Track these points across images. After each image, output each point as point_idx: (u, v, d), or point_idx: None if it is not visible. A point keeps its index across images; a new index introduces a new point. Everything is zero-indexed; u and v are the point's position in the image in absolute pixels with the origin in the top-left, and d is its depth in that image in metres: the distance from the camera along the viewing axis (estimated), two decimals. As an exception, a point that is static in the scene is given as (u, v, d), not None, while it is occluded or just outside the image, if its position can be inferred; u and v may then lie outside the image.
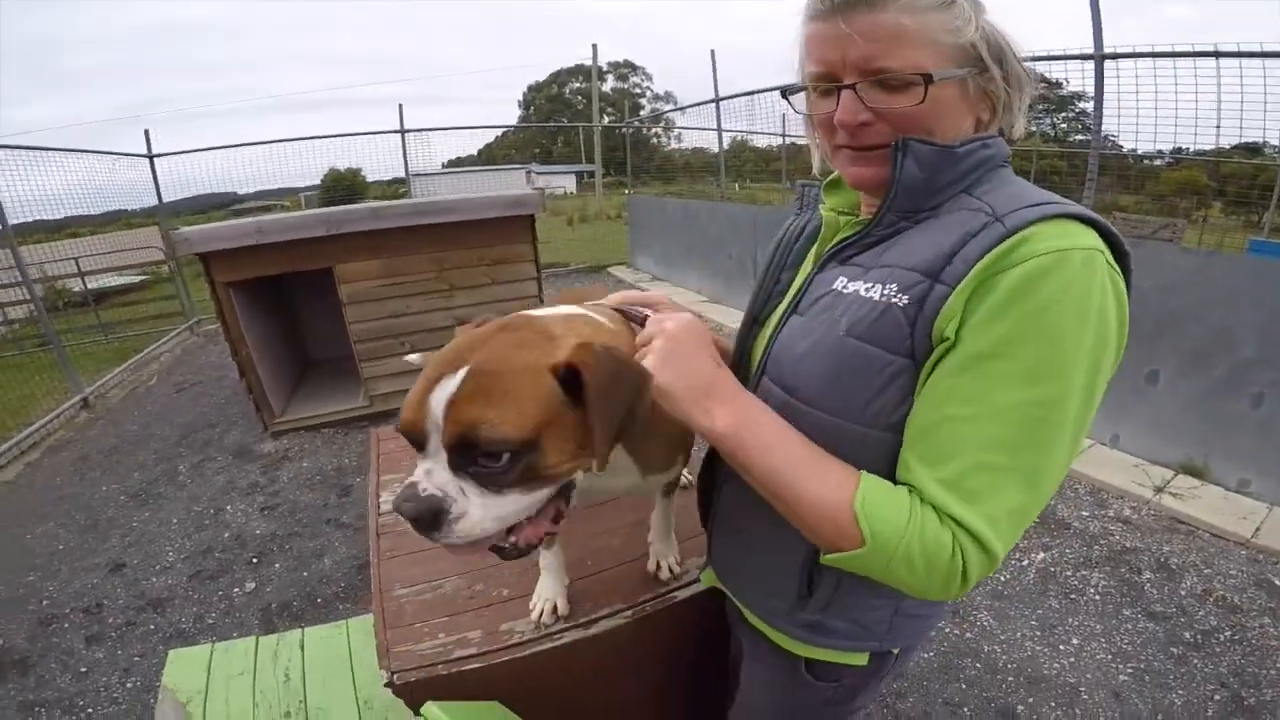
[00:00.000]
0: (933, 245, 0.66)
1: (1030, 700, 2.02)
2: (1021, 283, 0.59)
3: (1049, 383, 0.59)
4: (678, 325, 0.74)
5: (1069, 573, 2.60)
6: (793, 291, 0.84)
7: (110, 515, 3.47)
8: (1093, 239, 0.61)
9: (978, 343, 0.61)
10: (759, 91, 7.68)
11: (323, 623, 2.05)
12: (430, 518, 0.66)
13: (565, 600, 1.22)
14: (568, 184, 28.37)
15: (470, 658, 1.14)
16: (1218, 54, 4.14)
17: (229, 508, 3.42)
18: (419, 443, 0.69)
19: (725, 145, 9.38)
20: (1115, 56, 4.15)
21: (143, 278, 9.65)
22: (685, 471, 1.49)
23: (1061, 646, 2.22)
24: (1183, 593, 2.44)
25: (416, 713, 1.04)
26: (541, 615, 1.20)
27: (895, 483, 0.67)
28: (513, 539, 0.73)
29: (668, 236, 8.30)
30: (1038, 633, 2.28)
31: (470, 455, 0.66)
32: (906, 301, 0.65)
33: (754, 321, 0.89)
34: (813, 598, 0.82)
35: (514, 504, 0.69)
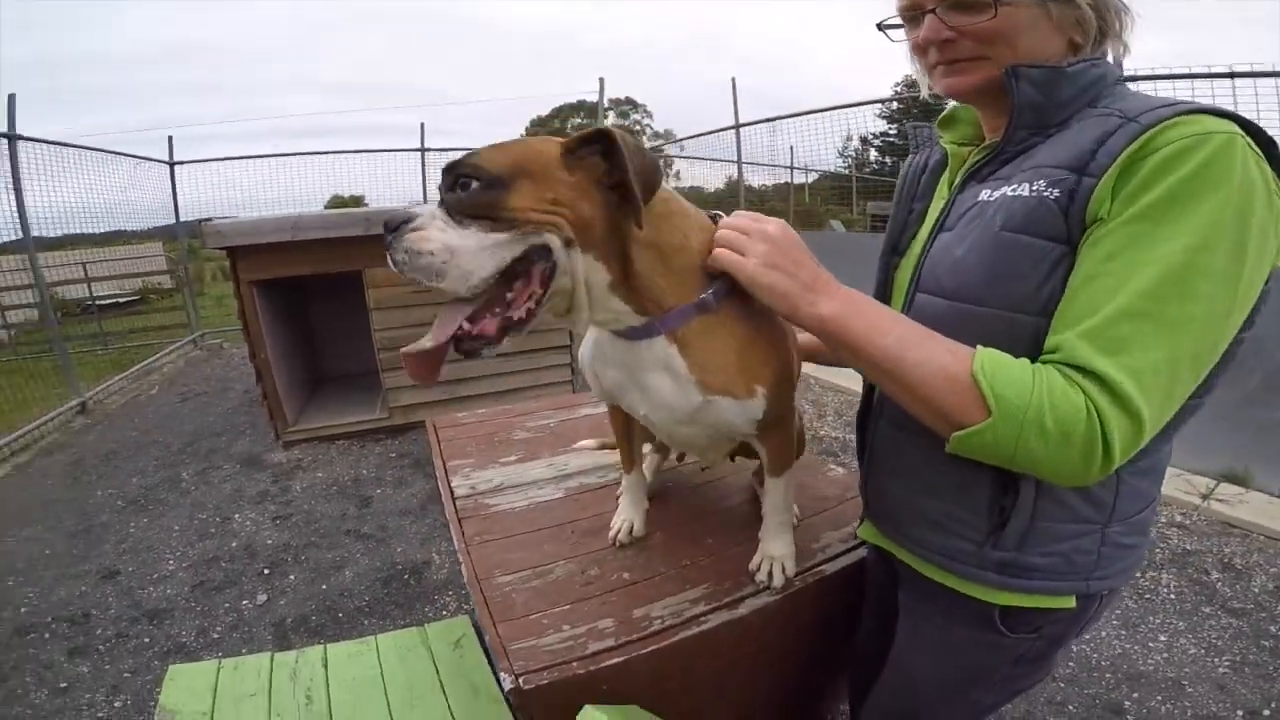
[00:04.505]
0: (1073, 147, 0.68)
1: (1135, 695, 1.95)
2: (1165, 161, 0.60)
3: (1191, 235, 0.59)
4: (778, 228, 0.79)
5: (1136, 574, 2.46)
6: (933, 215, 0.86)
7: (104, 521, 3.16)
8: (1231, 126, 0.61)
9: (1123, 213, 0.62)
10: (781, 118, 7.23)
11: (346, 639, 1.80)
12: (394, 224, 0.73)
13: (643, 522, 1.21)
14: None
15: (609, 651, 0.92)
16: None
17: (237, 516, 3.12)
18: None
19: (720, 185, 9.00)
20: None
21: (139, 295, 9.42)
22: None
23: (1150, 644, 2.16)
24: (1255, 589, 2.40)
25: None
26: (619, 533, 1.19)
27: None
28: (467, 326, 0.76)
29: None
30: (1122, 631, 2.22)
31: (452, 187, 0.74)
32: (1057, 194, 0.67)
33: (893, 251, 0.92)
34: (1006, 529, 0.76)
35: (471, 239, 0.73)
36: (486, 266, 0.74)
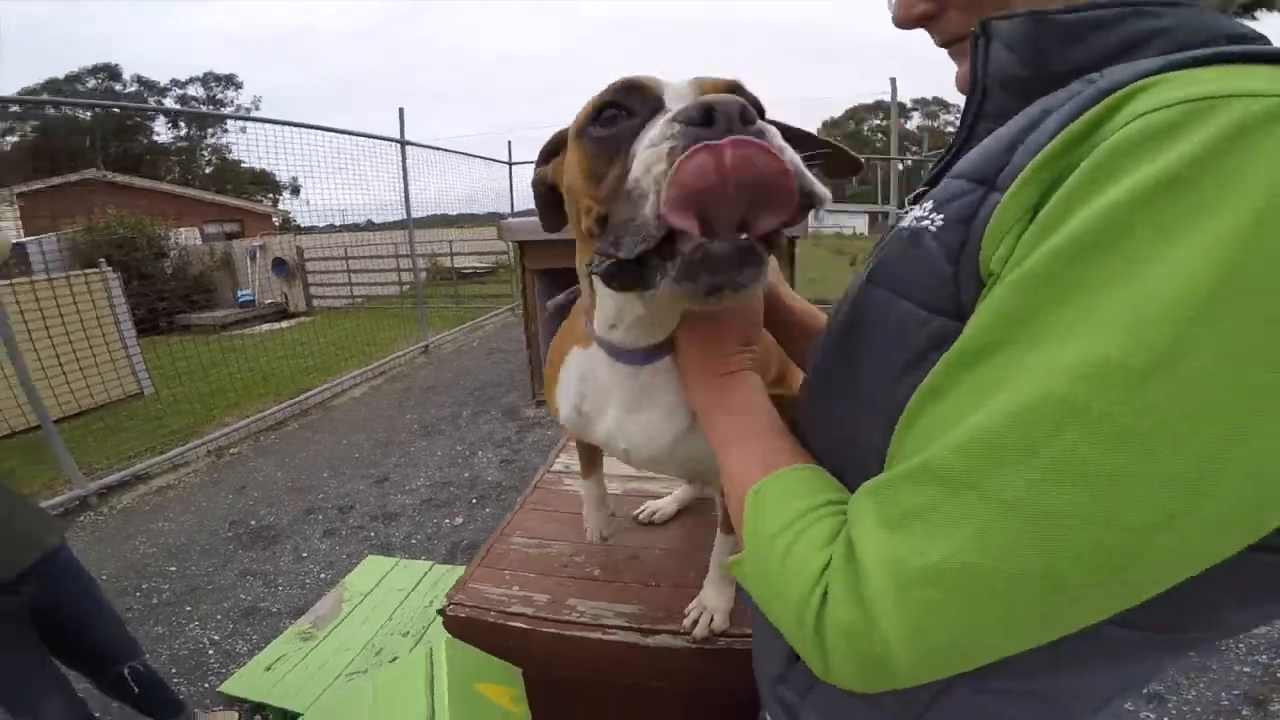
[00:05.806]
0: (996, 138, 0.40)
1: None
2: (1113, 156, 0.31)
3: (1121, 321, 0.29)
4: None
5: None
6: None
7: (400, 439, 4.12)
8: (1269, 83, 0.29)
9: (1021, 264, 0.33)
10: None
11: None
12: (744, 111, 0.43)
13: (608, 526, 1.20)
14: (859, 224, 26.32)
15: (519, 616, 1.06)
16: None
17: (479, 454, 3.81)
18: (645, 100, 0.52)
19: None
20: None
21: (492, 268, 11.74)
22: None
23: None
24: None
25: None
26: (590, 535, 1.20)
27: None
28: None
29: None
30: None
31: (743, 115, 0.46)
32: (942, 224, 0.40)
33: None
34: (792, 670, 0.58)
35: None
36: None
